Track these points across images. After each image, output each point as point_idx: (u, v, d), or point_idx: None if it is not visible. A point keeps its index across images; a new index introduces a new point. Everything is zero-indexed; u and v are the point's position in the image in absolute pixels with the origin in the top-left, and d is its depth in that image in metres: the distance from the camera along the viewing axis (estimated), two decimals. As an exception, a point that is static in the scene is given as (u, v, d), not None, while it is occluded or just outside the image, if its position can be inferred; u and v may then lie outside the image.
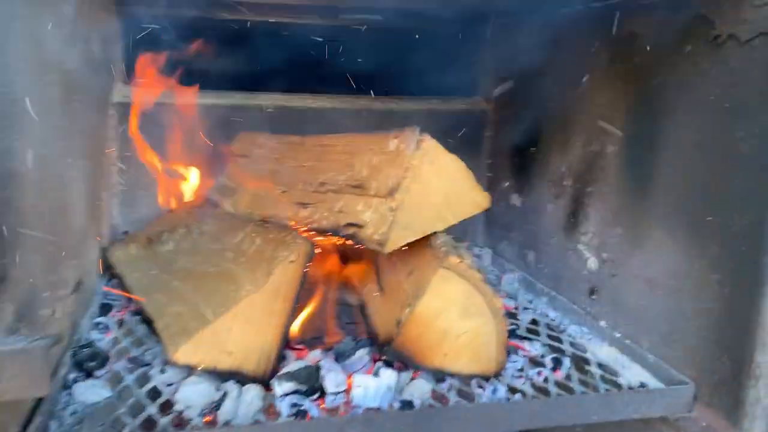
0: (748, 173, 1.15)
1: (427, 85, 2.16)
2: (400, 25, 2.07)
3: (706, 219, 1.24)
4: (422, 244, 1.33)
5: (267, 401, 1.20)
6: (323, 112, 2.03)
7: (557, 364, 1.39)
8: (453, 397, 1.25)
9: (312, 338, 1.40)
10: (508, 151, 2.06)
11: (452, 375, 1.30)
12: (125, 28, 1.88)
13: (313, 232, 1.42)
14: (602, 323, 1.53)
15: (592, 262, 1.59)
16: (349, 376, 1.24)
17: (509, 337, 1.40)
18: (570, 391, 1.30)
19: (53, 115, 1.22)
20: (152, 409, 1.14)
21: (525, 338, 1.52)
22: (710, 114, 1.23)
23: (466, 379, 1.30)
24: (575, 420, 1.24)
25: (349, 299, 1.56)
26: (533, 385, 1.31)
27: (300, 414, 1.15)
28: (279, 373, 1.23)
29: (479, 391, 1.28)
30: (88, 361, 1.26)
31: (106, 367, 1.27)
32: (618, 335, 1.47)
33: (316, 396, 1.21)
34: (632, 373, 1.37)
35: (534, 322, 1.64)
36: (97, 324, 1.46)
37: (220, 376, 1.22)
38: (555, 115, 1.76)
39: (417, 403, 1.21)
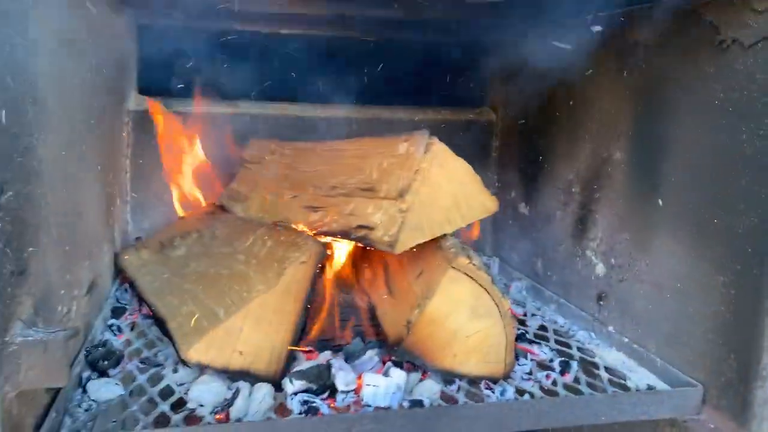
0: (753, 176, 1.17)
1: (435, 95, 2.20)
2: (410, 37, 2.11)
3: (712, 221, 1.25)
4: (431, 245, 1.34)
5: (278, 400, 1.21)
6: (333, 121, 2.07)
7: (565, 367, 1.40)
8: (462, 399, 1.26)
9: (321, 340, 1.40)
10: (516, 159, 2.08)
11: (461, 376, 1.31)
12: (142, 37, 1.93)
13: (324, 235, 1.44)
14: (610, 328, 1.54)
15: (600, 268, 1.60)
16: (359, 376, 1.25)
17: (518, 341, 1.40)
18: (578, 393, 1.31)
19: (73, 119, 1.26)
20: (165, 407, 1.15)
21: (534, 342, 1.53)
22: (715, 118, 1.25)
23: (475, 380, 1.31)
24: (583, 420, 1.24)
25: (358, 301, 1.57)
26: (542, 388, 1.32)
27: (311, 411, 1.16)
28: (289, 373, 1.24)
29: (488, 392, 1.29)
30: (102, 361, 1.28)
31: (119, 367, 1.29)
32: (626, 340, 1.48)
33: (326, 394, 1.22)
34: (640, 377, 1.38)
35: (542, 328, 1.64)
36: (110, 326, 1.48)
37: (232, 375, 1.23)
38: (562, 123, 1.78)
39: (426, 403, 1.22)
